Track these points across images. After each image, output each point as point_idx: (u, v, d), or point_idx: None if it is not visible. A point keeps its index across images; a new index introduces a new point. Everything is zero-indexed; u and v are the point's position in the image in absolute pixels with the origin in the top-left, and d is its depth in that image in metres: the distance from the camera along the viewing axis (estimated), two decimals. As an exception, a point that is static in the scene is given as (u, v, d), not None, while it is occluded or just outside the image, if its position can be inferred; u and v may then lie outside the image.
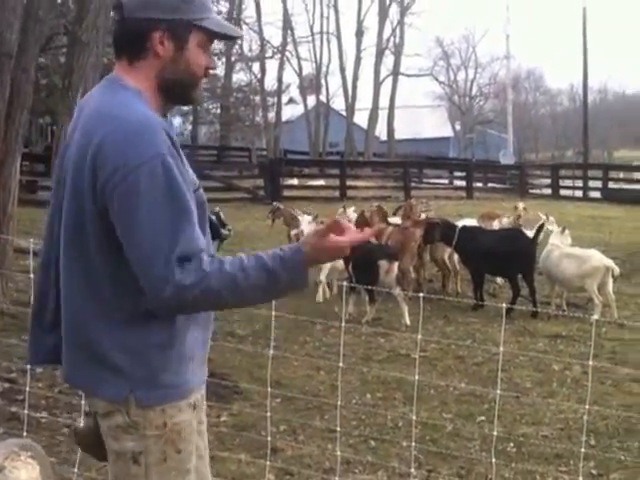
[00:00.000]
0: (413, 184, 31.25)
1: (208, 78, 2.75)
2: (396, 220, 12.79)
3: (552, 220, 13.22)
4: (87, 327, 2.57)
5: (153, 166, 2.42)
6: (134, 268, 2.46)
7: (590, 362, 4.97)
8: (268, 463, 5.14)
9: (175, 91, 2.65)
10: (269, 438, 5.24)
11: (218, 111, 49.90)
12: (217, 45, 45.79)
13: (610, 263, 10.50)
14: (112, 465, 2.68)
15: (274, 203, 16.83)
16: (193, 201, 2.51)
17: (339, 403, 5.40)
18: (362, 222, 12.32)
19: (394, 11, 55.55)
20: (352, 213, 13.47)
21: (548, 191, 32.90)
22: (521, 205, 13.98)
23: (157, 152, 2.43)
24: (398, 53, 55.32)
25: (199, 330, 2.69)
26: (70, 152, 2.59)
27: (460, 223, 12.06)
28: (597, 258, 10.54)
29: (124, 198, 2.42)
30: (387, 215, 12.69)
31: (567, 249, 10.91)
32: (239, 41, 48.14)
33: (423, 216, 13.21)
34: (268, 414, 5.24)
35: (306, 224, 11.61)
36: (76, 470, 5.00)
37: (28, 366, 5.55)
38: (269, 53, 52.02)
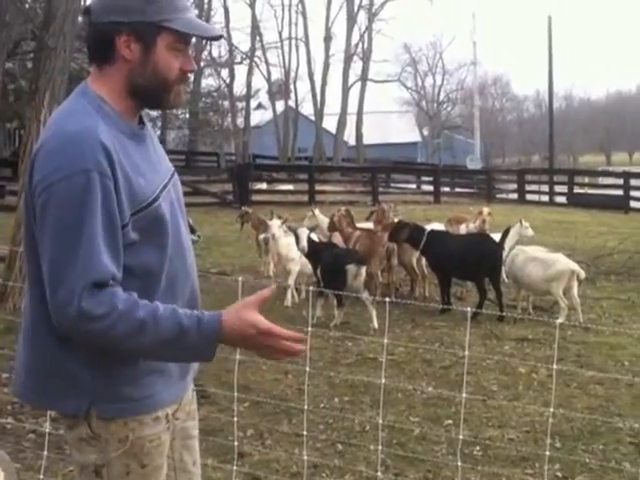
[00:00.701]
0: (381, 189, 31.35)
1: (186, 81, 2.65)
2: (369, 225, 12.84)
3: (526, 225, 13.33)
4: (47, 340, 2.50)
5: (73, 182, 2.33)
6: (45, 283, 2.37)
7: (555, 365, 5.02)
8: (235, 468, 5.14)
9: (146, 95, 2.57)
10: (236, 443, 5.24)
11: (187, 116, 49.79)
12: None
13: (575, 267, 10.58)
14: (77, 476, 2.64)
15: (243, 207, 16.85)
16: (129, 223, 2.42)
17: (306, 407, 5.41)
18: (332, 227, 12.39)
19: (362, 17, 55.77)
20: (320, 215, 13.53)
21: (514, 196, 33.08)
22: (486, 210, 14.05)
23: (82, 168, 2.33)
24: (366, 59, 55.45)
25: None
26: None
27: (428, 227, 12.12)
28: (563, 262, 10.61)
29: (41, 209, 2.37)
30: (354, 219, 12.72)
31: (533, 253, 10.98)
32: (208, 47, 48.22)
33: (395, 221, 13.29)
34: (235, 419, 5.24)
35: (276, 228, 11.61)
36: (42, 476, 4.98)
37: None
38: (238, 59, 52.00)
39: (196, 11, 46.80)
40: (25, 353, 2.58)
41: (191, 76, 2.67)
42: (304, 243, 10.35)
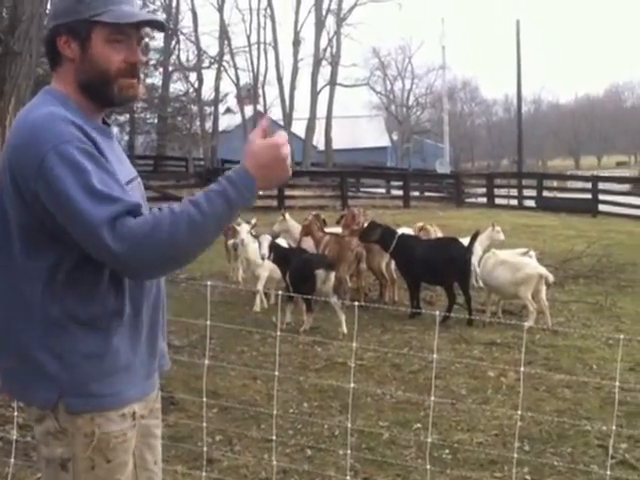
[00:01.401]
0: (350, 193, 31.39)
1: (133, 73, 2.64)
2: (338, 229, 12.85)
3: (498, 229, 13.39)
4: (18, 333, 2.57)
5: (60, 150, 2.41)
6: (86, 246, 2.44)
7: (522, 368, 5.04)
8: (204, 474, 5.12)
9: (91, 91, 2.63)
10: (205, 449, 5.22)
11: (155, 121, 49.58)
12: (153, 55, 45.61)
13: (544, 271, 10.63)
14: (43, 471, 2.70)
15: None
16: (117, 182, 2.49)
17: (275, 412, 5.40)
18: (306, 232, 12.39)
19: (330, 22, 55.68)
20: (291, 220, 13.53)
21: (484, 200, 33.21)
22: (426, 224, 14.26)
23: (61, 139, 2.43)
24: (335, 63, 55.42)
25: (141, 342, 2.69)
26: None
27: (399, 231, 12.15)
28: (531, 266, 10.66)
29: (48, 185, 2.41)
30: (324, 224, 12.72)
31: (502, 256, 11.02)
32: (175, 51, 48.08)
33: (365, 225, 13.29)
34: (204, 424, 5.22)
35: (245, 233, 11.59)
36: (8, 484, 4.93)
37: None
38: (206, 63, 51.76)
39: (165, 15, 46.68)
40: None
41: (143, 68, 2.68)
42: (264, 251, 10.32)
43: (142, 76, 2.75)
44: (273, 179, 2.57)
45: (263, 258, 10.48)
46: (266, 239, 10.50)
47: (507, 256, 11.07)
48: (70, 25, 2.59)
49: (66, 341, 2.55)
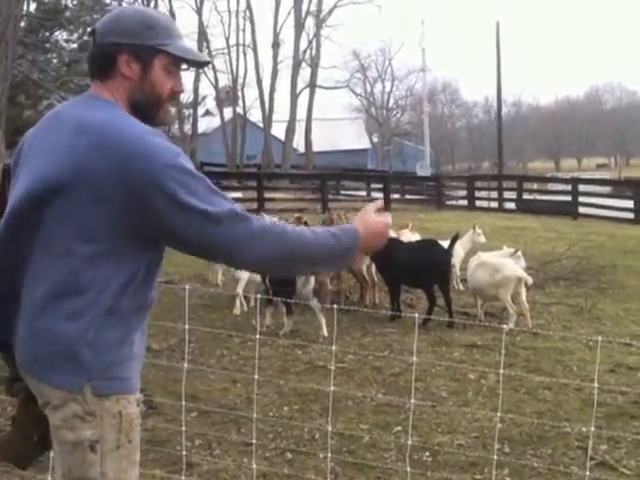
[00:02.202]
0: (331, 196, 31.36)
1: (175, 100, 2.90)
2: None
3: (479, 231, 13.43)
4: (53, 319, 2.69)
5: (177, 162, 2.70)
6: (206, 245, 2.71)
7: (502, 371, 5.04)
8: (183, 478, 5.09)
9: (143, 109, 2.84)
10: (184, 453, 5.20)
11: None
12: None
13: (522, 273, 10.66)
14: (66, 456, 2.77)
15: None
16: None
17: (255, 416, 5.37)
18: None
19: (310, 24, 55.78)
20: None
21: (464, 202, 33.30)
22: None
23: (174, 153, 2.71)
24: (315, 65, 55.50)
25: (144, 336, 2.91)
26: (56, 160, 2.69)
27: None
28: (510, 268, 10.68)
29: (170, 195, 2.65)
30: (306, 226, 12.71)
31: (483, 258, 11.05)
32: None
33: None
34: (183, 428, 5.20)
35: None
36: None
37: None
38: (184, 65, 51.74)
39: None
40: (28, 332, 2.76)
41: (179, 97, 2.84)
42: None
43: None
44: (372, 244, 2.95)
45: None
46: None
47: (488, 258, 11.10)
48: (135, 47, 2.80)
49: (99, 329, 2.70)
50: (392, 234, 12.90)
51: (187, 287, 5.32)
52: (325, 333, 9.82)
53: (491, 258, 11.17)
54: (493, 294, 10.59)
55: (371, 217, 2.94)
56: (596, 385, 4.80)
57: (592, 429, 5.18)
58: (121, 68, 2.81)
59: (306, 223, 12.63)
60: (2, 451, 3.02)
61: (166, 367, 7.81)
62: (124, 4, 43.43)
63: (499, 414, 5.25)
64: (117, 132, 2.66)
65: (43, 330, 2.71)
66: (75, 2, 25.02)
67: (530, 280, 10.66)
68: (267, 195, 28.44)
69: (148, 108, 2.85)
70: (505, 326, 9.29)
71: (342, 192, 35.72)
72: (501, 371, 5.01)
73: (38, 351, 2.73)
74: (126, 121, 2.72)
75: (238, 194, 29.69)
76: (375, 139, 77.41)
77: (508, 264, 10.84)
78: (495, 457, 4.95)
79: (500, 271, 10.52)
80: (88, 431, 2.71)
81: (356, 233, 2.86)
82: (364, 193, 36.30)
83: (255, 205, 26.90)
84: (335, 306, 5.15)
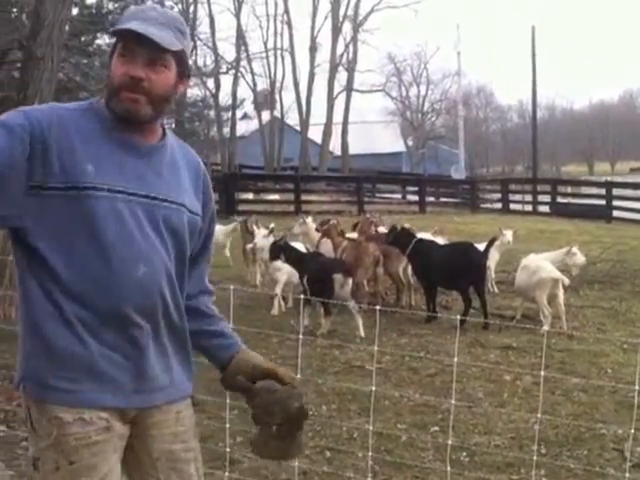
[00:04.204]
0: (366, 198, 31.45)
1: (136, 87, 2.62)
2: (353, 235, 12.96)
3: (509, 233, 13.43)
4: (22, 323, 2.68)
5: None
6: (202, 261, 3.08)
7: (542, 372, 5.10)
8: (227, 474, 5.20)
9: (108, 101, 2.67)
10: (228, 449, 5.29)
11: (173, 126, 49.75)
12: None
13: (559, 275, 10.68)
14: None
15: (236, 217, 16.93)
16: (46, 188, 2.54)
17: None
18: (325, 235, 12.56)
19: (347, 28, 55.86)
20: (311, 223, 13.65)
21: (498, 205, 33.24)
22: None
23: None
24: (351, 69, 55.57)
25: (111, 350, 2.64)
26: None
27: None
28: (546, 270, 10.71)
29: (212, 201, 3.06)
30: (342, 230, 12.84)
31: (526, 260, 11.13)
32: (192, 56, 48.13)
33: (381, 229, 13.40)
34: (227, 425, 5.30)
35: (260, 237, 11.70)
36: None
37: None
38: (223, 68, 52.00)
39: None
40: None
41: (147, 84, 2.61)
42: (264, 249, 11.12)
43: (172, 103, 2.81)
44: None
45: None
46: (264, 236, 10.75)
47: (530, 260, 11.16)
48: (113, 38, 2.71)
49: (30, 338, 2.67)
50: (428, 237, 12.99)
51: (232, 287, 5.44)
52: (362, 334, 9.93)
53: (532, 260, 11.22)
54: (532, 296, 10.65)
55: None
56: (637, 387, 4.83)
57: (631, 431, 5.24)
58: None
59: (342, 232, 12.73)
60: (257, 450, 2.96)
61: (207, 365, 7.91)
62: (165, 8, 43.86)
63: (539, 415, 5.31)
64: (185, 145, 2.98)
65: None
66: (117, 6, 25.24)
67: (567, 281, 10.68)
68: (304, 197, 28.58)
69: (109, 97, 2.65)
70: (544, 328, 9.39)
71: (378, 195, 35.77)
72: (542, 372, 5.07)
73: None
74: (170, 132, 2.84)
75: (276, 196, 29.85)
76: (410, 142, 77.18)
77: (545, 266, 10.86)
78: (535, 458, 5.02)
79: (536, 273, 10.57)
80: (32, 447, 2.66)
81: None
82: (399, 196, 36.33)
83: (292, 207, 27.03)
84: (377, 307, 5.24)
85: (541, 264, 10.99)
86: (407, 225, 13.88)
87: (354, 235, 12.97)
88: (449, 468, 5.05)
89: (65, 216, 2.55)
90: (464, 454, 6.16)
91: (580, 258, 12.93)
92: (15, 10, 23.68)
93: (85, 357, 2.58)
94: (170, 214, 2.74)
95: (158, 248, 2.70)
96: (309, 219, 14.05)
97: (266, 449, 2.91)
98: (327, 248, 12.27)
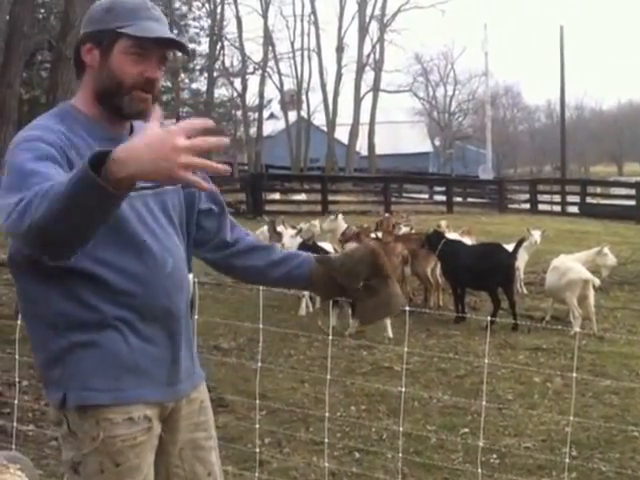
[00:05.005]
0: (394, 199, 31.41)
1: (149, 88, 2.61)
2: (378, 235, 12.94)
3: (537, 233, 13.35)
4: (35, 332, 2.65)
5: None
6: None
7: (574, 374, 5.06)
8: (257, 475, 5.19)
9: (104, 99, 2.62)
10: (257, 450, 5.29)
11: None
12: (199, 60, 45.97)
13: (589, 276, 10.60)
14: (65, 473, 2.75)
15: (265, 218, 16.96)
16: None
17: (327, 415, 5.45)
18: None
19: (374, 28, 55.78)
20: (342, 222, 13.66)
21: (527, 206, 33.08)
22: (443, 223, 14.31)
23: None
24: (378, 69, 55.47)
25: (152, 345, 2.65)
26: None
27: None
28: (576, 271, 10.65)
29: None
30: (370, 232, 12.85)
31: (556, 262, 11.06)
32: (220, 56, 48.36)
33: (403, 229, 13.37)
34: (256, 426, 5.29)
35: (287, 238, 11.70)
36: (64, 482, 5.03)
37: (16, 379, 5.60)
38: (250, 69, 52.10)
39: (210, 21, 47.09)
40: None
41: (158, 84, 2.62)
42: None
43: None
44: (144, 167, 2.07)
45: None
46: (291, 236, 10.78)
47: (560, 261, 11.09)
48: (95, 33, 2.59)
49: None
50: (456, 237, 12.95)
51: (261, 288, 5.42)
52: (390, 334, 9.89)
53: (563, 261, 11.15)
54: (562, 297, 10.58)
55: (150, 132, 2.13)
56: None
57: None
58: (84, 58, 2.62)
59: (378, 238, 12.68)
60: (364, 318, 3.19)
61: (235, 366, 7.95)
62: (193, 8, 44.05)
63: (571, 417, 5.26)
64: None
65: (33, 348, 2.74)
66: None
67: (598, 282, 10.61)
68: (331, 198, 28.55)
69: (111, 97, 2.60)
70: (576, 329, 9.33)
71: (404, 195, 35.71)
72: (574, 374, 5.03)
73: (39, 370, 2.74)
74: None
75: (302, 196, 29.85)
76: (437, 142, 77.01)
77: (575, 267, 10.80)
78: (567, 460, 4.98)
79: (567, 274, 10.50)
80: (71, 452, 2.63)
81: (84, 165, 2.05)
82: (426, 196, 36.26)
83: (319, 207, 27.02)
84: (407, 308, 5.21)
85: (571, 265, 10.92)
86: (444, 222, 13.90)
87: (378, 234, 12.95)
88: (480, 470, 5.01)
89: None
90: (494, 456, 6.11)
91: (611, 259, 12.78)
92: (43, 11, 23.86)
93: (127, 355, 2.60)
94: (173, 198, 2.77)
95: (174, 238, 2.74)
96: (340, 216, 14.05)
97: (371, 312, 3.00)
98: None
